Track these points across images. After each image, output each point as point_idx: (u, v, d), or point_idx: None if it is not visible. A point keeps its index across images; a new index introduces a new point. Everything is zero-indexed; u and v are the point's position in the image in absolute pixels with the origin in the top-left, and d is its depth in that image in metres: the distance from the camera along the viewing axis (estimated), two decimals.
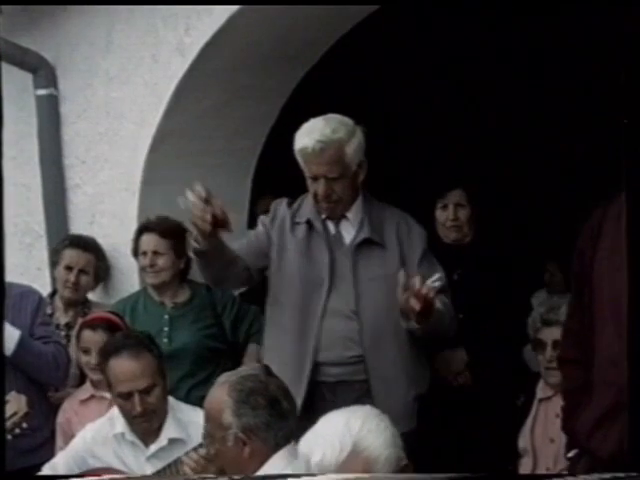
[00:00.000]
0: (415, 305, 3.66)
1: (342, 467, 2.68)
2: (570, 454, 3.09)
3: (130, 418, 3.83)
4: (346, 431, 2.71)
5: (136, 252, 4.76)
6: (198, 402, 3.74)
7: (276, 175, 4.29)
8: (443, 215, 4.78)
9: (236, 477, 3.04)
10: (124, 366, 3.81)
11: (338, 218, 4.05)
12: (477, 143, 6.73)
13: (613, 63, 2.77)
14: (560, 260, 5.54)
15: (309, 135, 3.87)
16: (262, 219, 4.19)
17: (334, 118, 3.93)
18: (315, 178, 3.93)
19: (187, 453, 3.45)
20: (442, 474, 2.79)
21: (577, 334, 3.06)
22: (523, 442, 4.23)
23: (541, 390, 4.22)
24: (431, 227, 4.77)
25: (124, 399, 3.81)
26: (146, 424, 3.83)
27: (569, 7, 5.04)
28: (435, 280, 3.72)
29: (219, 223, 3.71)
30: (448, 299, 4.02)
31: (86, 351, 4.41)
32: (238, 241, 4.11)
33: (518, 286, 4.69)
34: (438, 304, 3.82)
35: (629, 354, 2.63)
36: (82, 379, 4.58)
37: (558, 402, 3.88)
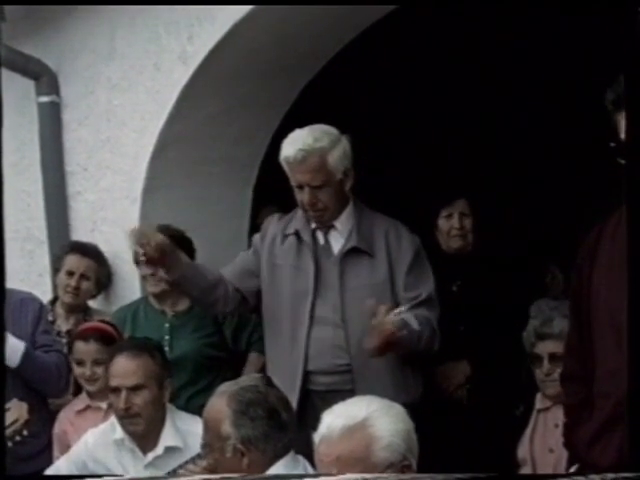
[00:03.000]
0: (369, 343, 3.75)
1: (346, 433, 2.77)
2: (572, 469, 3.09)
3: (119, 418, 3.88)
4: (364, 406, 2.84)
5: (137, 260, 4.76)
6: (198, 410, 3.75)
7: (278, 184, 4.29)
8: (447, 224, 4.76)
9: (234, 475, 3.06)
10: (120, 363, 3.89)
11: (327, 228, 4.08)
12: (479, 152, 6.72)
13: (616, 71, 2.78)
14: (561, 263, 5.53)
15: (292, 144, 3.95)
16: (254, 238, 4.27)
17: (317, 128, 4.00)
18: (300, 187, 3.98)
19: (185, 464, 3.45)
20: (442, 474, 2.80)
21: (577, 350, 3.07)
22: (522, 452, 4.23)
23: (539, 401, 4.22)
24: (432, 237, 4.78)
25: (114, 395, 3.87)
26: (132, 427, 3.86)
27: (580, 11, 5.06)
28: (397, 313, 3.76)
29: (155, 261, 3.91)
30: (433, 311, 4.03)
31: (80, 363, 4.42)
32: (228, 265, 4.21)
33: (519, 296, 4.69)
34: (414, 325, 3.86)
35: (629, 358, 2.64)
36: (78, 388, 4.59)
37: (557, 412, 3.89)
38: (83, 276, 4.89)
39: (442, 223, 4.78)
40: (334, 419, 2.81)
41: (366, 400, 2.90)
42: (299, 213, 4.12)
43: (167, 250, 3.86)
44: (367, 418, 2.79)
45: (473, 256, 4.77)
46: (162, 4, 4.73)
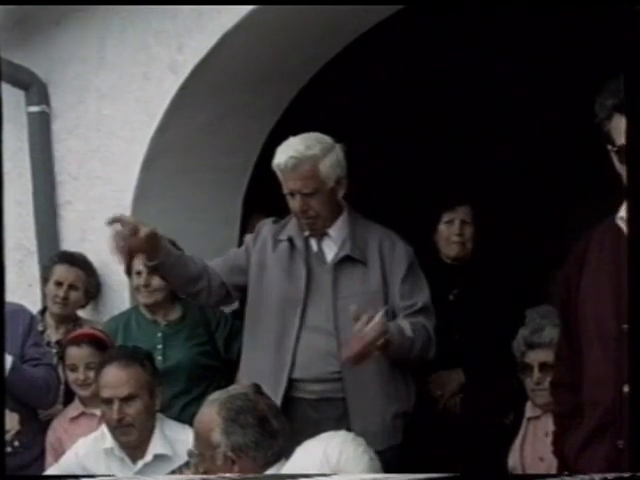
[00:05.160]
0: (346, 352, 3.71)
1: None
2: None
3: (111, 428, 3.88)
4: (324, 462, 2.75)
5: (129, 271, 4.76)
6: (192, 419, 3.74)
7: (268, 193, 4.30)
8: (448, 230, 4.75)
9: (228, 475, 3.05)
10: (111, 373, 3.90)
11: (320, 235, 4.08)
12: (485, 161, 6.70)
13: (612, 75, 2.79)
14: None
15: (284, 152, 3.95)
16: (247, 237, 4.27)
17: (311, 136, 4.00)
18: (291, 194, 3.98)
19: (174, 472, 3.45)
20: (442, 474, 2.80)
21: (567, 359, 3.08)
22: (513, 460, 4.23)
23: (530, 409, 4.22)
24: (431, 244, 4.79)
25: (106, 406, 3.87)
26: (124, 437, 3.87)
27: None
28: (378, 318, 3.69)
29: (134, 249, 3.82)
30: (430, 320, 4.02)
31: (73, 368, 4.42)
32: (217, 258, 4.20)
33: (516, 306, 4.66)
34: (407, 331, 3.84)
35: (629, 359, 2.65)
36: (68, 396, 4.58)
37: (547, 421, 3.90)
38: (72, 286, 4.88)
39: (442, 228, 4.77)
40: None
41: (320, 451, 2.80)
42: (293, 220, 4.11)
43: (149, 235, 3.81)
44: (337, 472, 2.73)
45: (472, 265, 4.76)
46: (154, 4, 4.73)
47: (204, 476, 3.17)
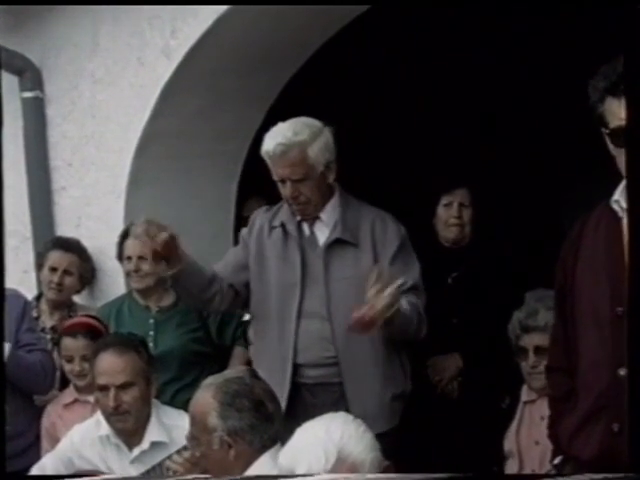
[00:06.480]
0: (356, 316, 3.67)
1: (333, 474, 2.68)
2: (555, 461, 3.10)
3: (107, 415, 3.87)
4: (328, 440, 2.72)
5: (121, 256, 4.76)
6: (184, 405, 3.75)
7: (262, 178, 4.29)
8: (446, 213, 4.74)
9: (202, 476, 3.06)
10: (107, 360, 3.88)
11: (312, 219, 4.07)
12: (483, 144, 6.68)
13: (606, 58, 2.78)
14: None
15: (272, 138, 3.93)
16: (242, 232, 4.25)
17: (298, 121, 3.97)
18: (282, 181, 3.97)
19: (171, 456, 3.45)
20: (439, 474, 2.80)
21: (562, 342, 3.08)
22: (509, 444, 4.22)
23: (525, 393, 4.22)
24: (430, 228, 4.78)
25: (102, 393, 3.86)
26: (120, 424, 3.86)
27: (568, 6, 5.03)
28: (400, 285, 3.70)
29: (162, 256, 3.80)
30: (419, 298, 4.00)
31: (69, 360, 4.43)
32: (219, 263, 4.17)
33: (515, 290, 4.65)
34: (404, 305, 3.81)
35: (629, 352, 2.65)
36: (64, 382, 4.58)
37: (542, 405, 3.89)
38: (66, 272, 4.88)
39: (441, 212, 4.76)
40: (309, 469, 2.69)
41: (322, 430, 2.77)
42: (285, 206, 4.11)
43: (172, 245, 3.79)
44: (340, 451, 2.71)
45: (470, 249, 4.75)
46: (143, 4, 4.72)
47: (177, 477, 3.18)
